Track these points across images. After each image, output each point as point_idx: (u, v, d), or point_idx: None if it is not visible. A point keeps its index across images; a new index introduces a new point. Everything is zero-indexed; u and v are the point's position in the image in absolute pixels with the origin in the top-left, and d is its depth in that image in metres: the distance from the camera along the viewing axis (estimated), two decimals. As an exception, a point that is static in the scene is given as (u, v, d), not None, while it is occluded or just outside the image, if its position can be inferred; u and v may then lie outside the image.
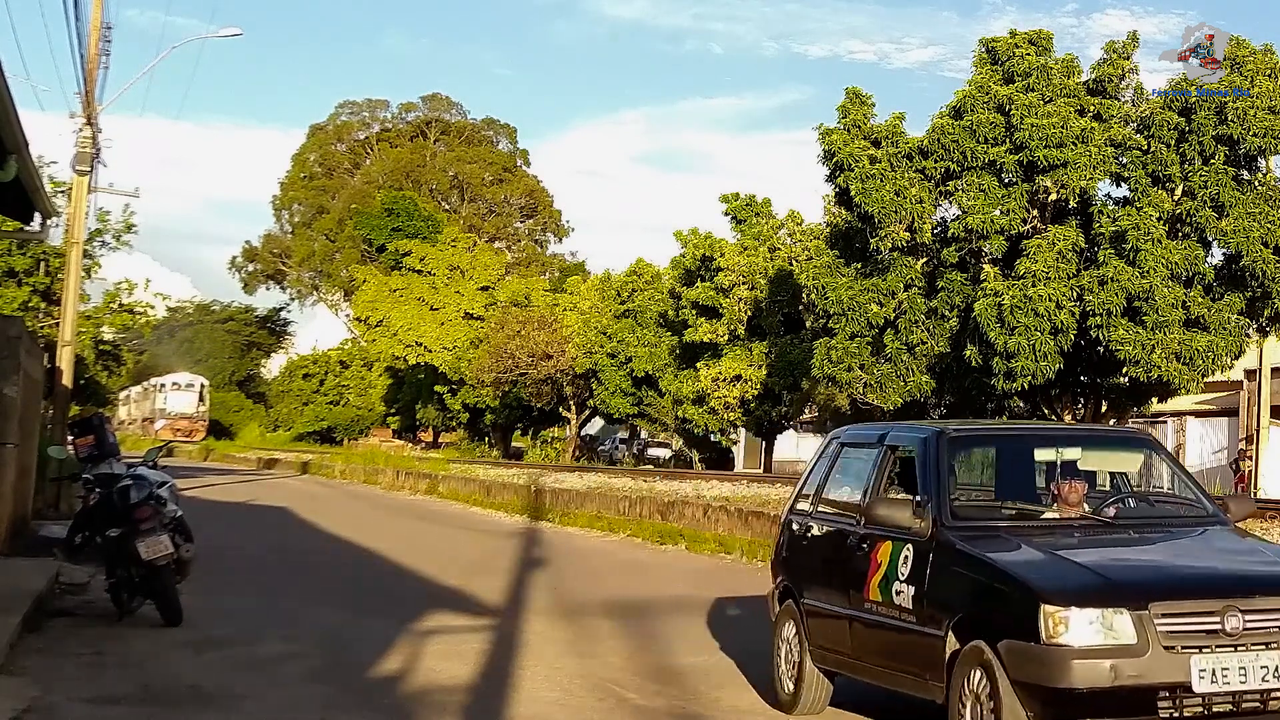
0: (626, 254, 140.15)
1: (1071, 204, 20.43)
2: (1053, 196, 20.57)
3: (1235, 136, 18.80)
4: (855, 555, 6.69)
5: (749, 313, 33.18)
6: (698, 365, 33.89)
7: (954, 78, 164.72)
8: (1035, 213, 20.81)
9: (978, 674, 5.56)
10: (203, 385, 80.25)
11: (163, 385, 79.43)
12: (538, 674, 7.82)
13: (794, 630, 7.24)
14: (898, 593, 6.23)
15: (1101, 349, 20.09)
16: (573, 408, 47.06)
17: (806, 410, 34.49)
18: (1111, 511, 6.58)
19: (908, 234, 21.20)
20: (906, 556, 6.23)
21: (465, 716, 6.80)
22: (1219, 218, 19.14)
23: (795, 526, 7.65)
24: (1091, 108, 20.93)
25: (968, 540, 6.07)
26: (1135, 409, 22.54)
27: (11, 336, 11.70)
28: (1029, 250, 19.91)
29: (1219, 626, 5.26)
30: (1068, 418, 22.09)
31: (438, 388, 55.11)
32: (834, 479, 7.43)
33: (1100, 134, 20.22)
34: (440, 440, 67.38)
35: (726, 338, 33.49)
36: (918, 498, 6.35)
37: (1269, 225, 18.71)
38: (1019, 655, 5.34)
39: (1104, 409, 22.13)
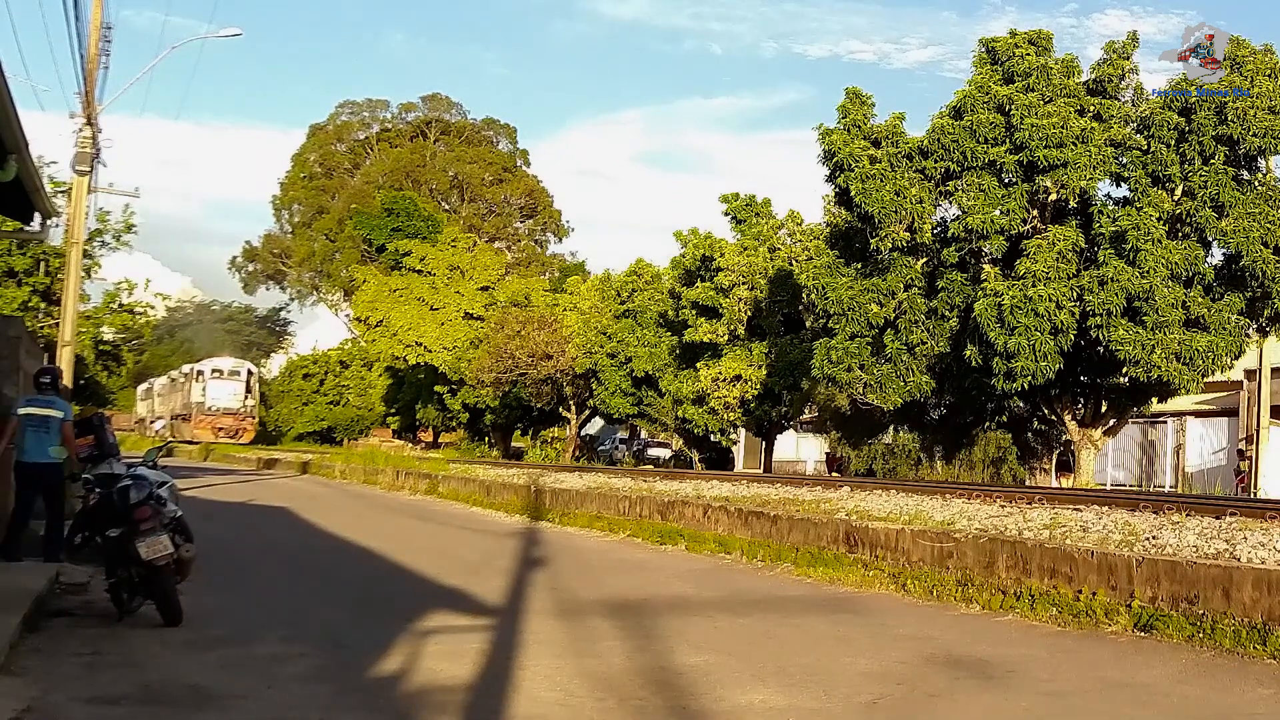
0: (626, 254, 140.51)
1: (1071, 204, 20.42)
2: (1053, 196, 20.56)
3: (1235, 136, 18.79)
4: None
5: (749, 313, 33.17)
6: (698, 365, 33.87)
7: (954, 78, 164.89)
8: (1035, 213, 20.80)
9: None
10: (250, 372, 67.05)
11: (200, 373, 65.71)
12: (538, 674, 7.80)
13: None
14: None
15: (1101, 349, 20.10)
16: (573, 408, 47.02)
17: (806, 410, 34.48)
18: None
19: (908, 234, 21.20)
20: None
21: (465, 716, 6.79)
22: (1219, 218, 19.13)
23: None
24: (1091, 108, 20.91)
25: None
26: (1135, 409, 22.54)
27: (11, 336, 11.70)
28: (1029, 250, 19.90)
29: None
30: (1068, 418, 22.09)
31: (438, 388, 55.08)
32: None
33: (1100, 134, 20.21)
34: (440, 440, 67.33)
35: (726, 338, 33.46)
36: None
37: (1269, 225, 18.70)
38: None
39: (1104, 409, 22.12)
